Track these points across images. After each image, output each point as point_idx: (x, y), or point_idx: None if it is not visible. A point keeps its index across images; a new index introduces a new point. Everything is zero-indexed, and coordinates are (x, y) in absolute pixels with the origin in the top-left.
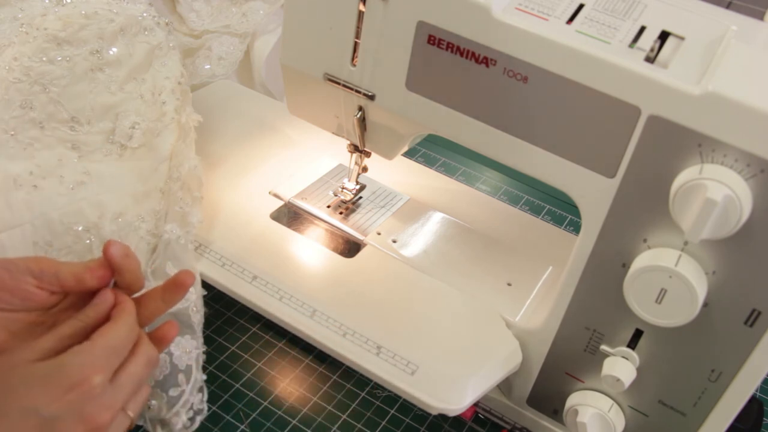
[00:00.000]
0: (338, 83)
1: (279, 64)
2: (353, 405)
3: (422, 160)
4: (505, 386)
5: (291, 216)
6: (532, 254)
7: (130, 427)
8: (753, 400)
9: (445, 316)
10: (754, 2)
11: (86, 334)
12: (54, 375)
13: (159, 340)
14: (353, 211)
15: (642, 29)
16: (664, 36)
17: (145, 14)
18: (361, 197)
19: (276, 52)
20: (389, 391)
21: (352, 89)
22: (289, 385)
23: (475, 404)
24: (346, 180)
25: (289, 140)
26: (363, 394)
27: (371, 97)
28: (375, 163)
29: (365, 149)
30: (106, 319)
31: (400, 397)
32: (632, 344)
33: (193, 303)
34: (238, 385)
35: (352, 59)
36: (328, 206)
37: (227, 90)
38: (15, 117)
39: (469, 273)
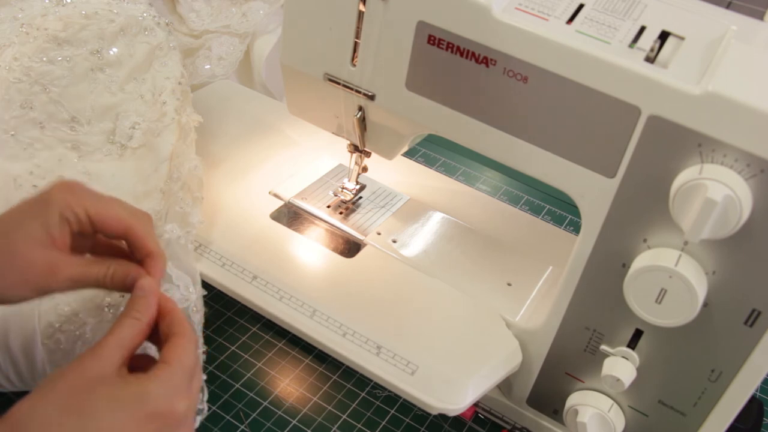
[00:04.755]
0: (338, 83)
1: (279, 64)
2: (353, 405)
3: (422, 160)
4: (505, 386)
5: (291, 216)
6: (532, 254)
7: None
8: (753, 400)
9: (445, 316)
10: (754, 2)
11: (144, 333)
12: (140, 404)
13: None
14: (353, 211)
15: (642, 29)
16: (664, 36)
17: (145, 14)
18: (361, 197)
19: (276, 52)
20: (389, 391)
21: (352, 89)
22: (289, 385)
23: (475, 404)
24: (346, 180)
25: (289, 140)
26: (363, 394)
27: (371, 97)
28: (375, 163)
29: (365, 149)
30: (156, 312)
31: (400, 397)
32: (632, 344)
33: (193, 303)
34: (238, 385)
35: (352, 59)
36: (328, 206)
37: (227, 90)
38: (15, 117)
39: (469, 273)
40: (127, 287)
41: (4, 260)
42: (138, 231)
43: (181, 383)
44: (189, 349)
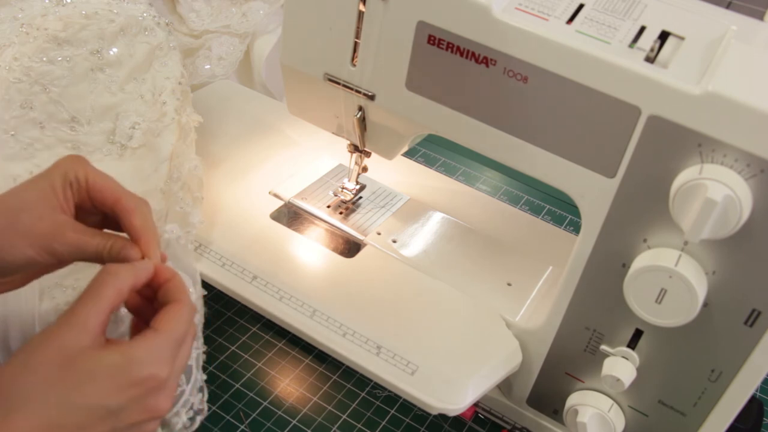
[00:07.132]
0: (338, 83)
1: (279, 64)
2: (353, 405)
3: (422, 160)
4: (505, 386)
5: (291, 216)
6: (532, 254)
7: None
8: (753, 400)
9: (445, 316)
10: (754, 2)
11: (122, 298)
12: (122, 370)
13: None
14: (353, 211)
15: (642, 29)
16: (664, 36)
17: (145, 14)
18: (361, 197)
19: (276, 52)
20: (389, 391)
21: (352, 89)
22: (289, 385)
23: (475, 404)
24: (346, 180)
25: (289, 140)
26: (363, 394)
27: (371, 97)
28: (375, 163)
29: (365, 149)
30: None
31: (400, 397)
32: (632, 344)
33: (193, 303)
34: (238, 385)
35: (352, 59)
36: (328, 206)
37: (227, 90)
38: (15, 117)
39: (469, 273)
40: (119, 260)
41: (13, 217)
42: (128, 204)
43: (166, 351)
44: (183, 316)
